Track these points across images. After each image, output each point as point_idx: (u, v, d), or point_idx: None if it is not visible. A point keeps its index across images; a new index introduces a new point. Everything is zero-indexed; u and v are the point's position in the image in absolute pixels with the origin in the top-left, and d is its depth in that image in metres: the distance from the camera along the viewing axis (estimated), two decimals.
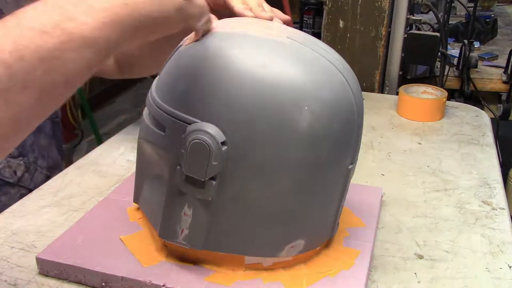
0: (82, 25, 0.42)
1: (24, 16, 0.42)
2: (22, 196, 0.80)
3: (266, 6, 0.67)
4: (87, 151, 0.95)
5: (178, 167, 0.55)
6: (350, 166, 0.60)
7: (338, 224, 0.65)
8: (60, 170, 0.89)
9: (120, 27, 0.44)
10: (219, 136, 0.52)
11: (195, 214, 0.57)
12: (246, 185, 0.55)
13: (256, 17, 0.63)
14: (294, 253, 0.61)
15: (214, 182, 0.54)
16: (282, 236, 0.59)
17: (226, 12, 0.67)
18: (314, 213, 0.60)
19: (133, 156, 0.88)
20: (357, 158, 0.61)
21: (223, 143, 0.53)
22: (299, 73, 0.54)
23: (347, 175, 0.60)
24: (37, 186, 0.83)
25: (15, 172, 0.78)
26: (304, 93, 0.53)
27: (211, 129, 0.52)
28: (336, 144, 0.56)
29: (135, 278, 0.59)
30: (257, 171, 0.55)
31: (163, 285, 0.58)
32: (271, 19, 0.64)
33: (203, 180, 0.54)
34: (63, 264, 0.61)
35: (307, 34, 0.60)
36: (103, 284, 0.60)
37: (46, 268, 0.62)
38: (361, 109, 0.59)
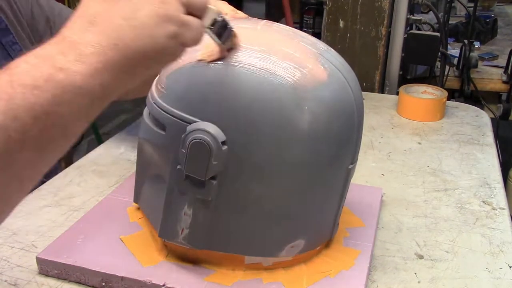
0: (74, 75, 0.40)
1: (16, 71, 0.39)
2: None
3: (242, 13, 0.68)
4: (87, 151, 0.95)
5: (178, 166, 0.55)
6: (350, 166, 0.60)
7: (338, 224, 0.65)
8: (55, 168, 0.89)
9: (114, 69, 0.41)
10: (220, 135, 0.52)
11: (195, 214, 0.57)
12: (246, 185, 0.55)
13: None
14: (294, 253, 0.61)
15: (214, 182, 0.54)
16: (282, 236, 0.59)
17: None
18: (314, 213, 0.60)
19: (133, 156, 0.88)
20: (357, 158, 0.61)
21: (223, 143, 0.53)
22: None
23: (347, 175, 0.60)
24: None
25: None
26: (304, 93, 0.53)
27: (212, 128, 0.52)
28: (336, 144, 0.56)
29: (135, 278, 0.59)
30: (257, 171, 0.55)
31: (163, 285, 0.58)
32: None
33: (203, 180, 0.54)
34: (63, 264, 0.61)
35: (307, 34, 0.60)
36: (103, 284, 0.60)
37: (46, 268, 0.62)
38: (361, 109, 0.59)
